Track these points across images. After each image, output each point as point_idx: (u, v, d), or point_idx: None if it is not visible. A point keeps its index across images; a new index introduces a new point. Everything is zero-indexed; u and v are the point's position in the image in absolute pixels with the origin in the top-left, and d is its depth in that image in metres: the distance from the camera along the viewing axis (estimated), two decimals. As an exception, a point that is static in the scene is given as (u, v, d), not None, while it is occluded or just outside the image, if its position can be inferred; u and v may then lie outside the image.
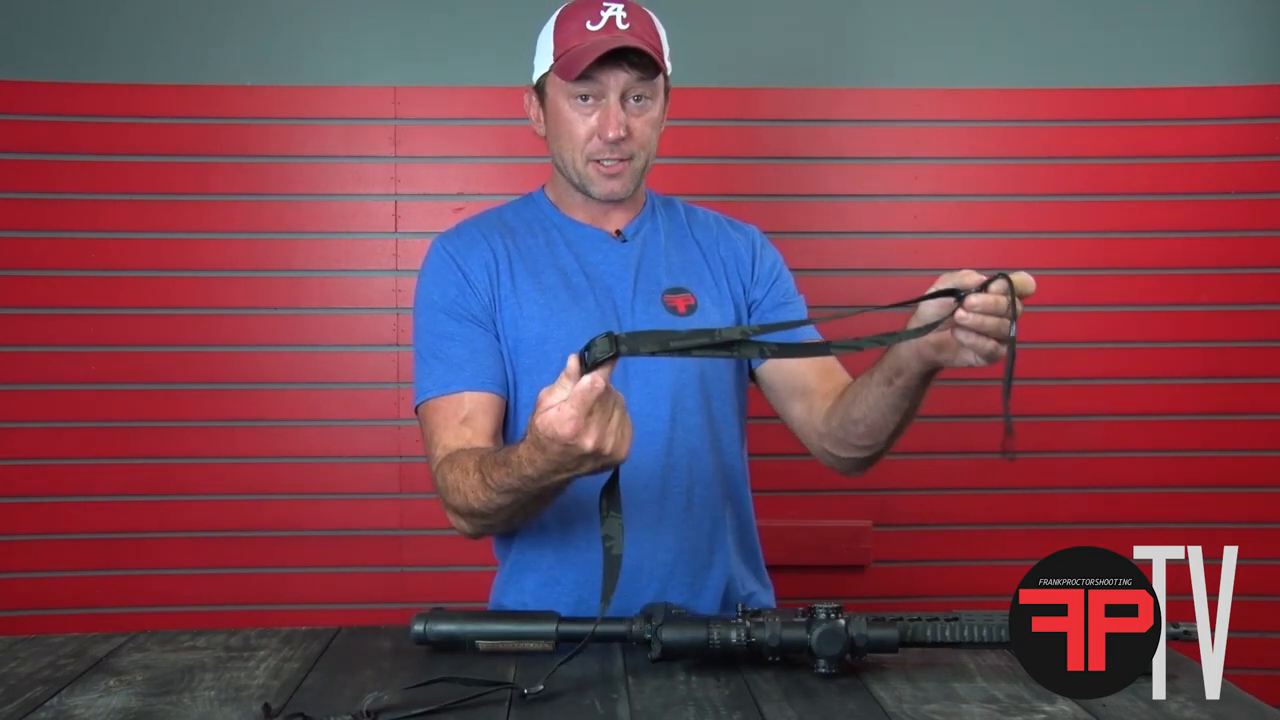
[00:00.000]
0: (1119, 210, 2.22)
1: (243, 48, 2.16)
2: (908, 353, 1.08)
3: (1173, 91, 2.22)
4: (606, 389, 0.94)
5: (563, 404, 0.94)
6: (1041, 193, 2.22)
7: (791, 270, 1.42)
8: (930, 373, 1.09)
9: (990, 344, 0.99)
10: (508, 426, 1.32)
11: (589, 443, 0.95)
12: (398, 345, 2.17)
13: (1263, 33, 2.23)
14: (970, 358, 1.01)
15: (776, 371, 1.33)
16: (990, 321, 0.98)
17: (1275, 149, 2.22)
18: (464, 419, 1.24)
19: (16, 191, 2.12)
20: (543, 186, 1.40)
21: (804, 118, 2.21)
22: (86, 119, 2.13)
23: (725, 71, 2.18)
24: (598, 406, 0.94)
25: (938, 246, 2.22)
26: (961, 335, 1.00)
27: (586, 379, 0.93)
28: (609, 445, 0.96)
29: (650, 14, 1.28)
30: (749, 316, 1.36)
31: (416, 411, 1.30)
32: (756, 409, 1.45)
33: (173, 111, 2.14)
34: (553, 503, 1.15)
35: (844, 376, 1.32)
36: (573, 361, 0.94)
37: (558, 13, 1.29)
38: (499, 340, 1.29)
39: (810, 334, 1.34)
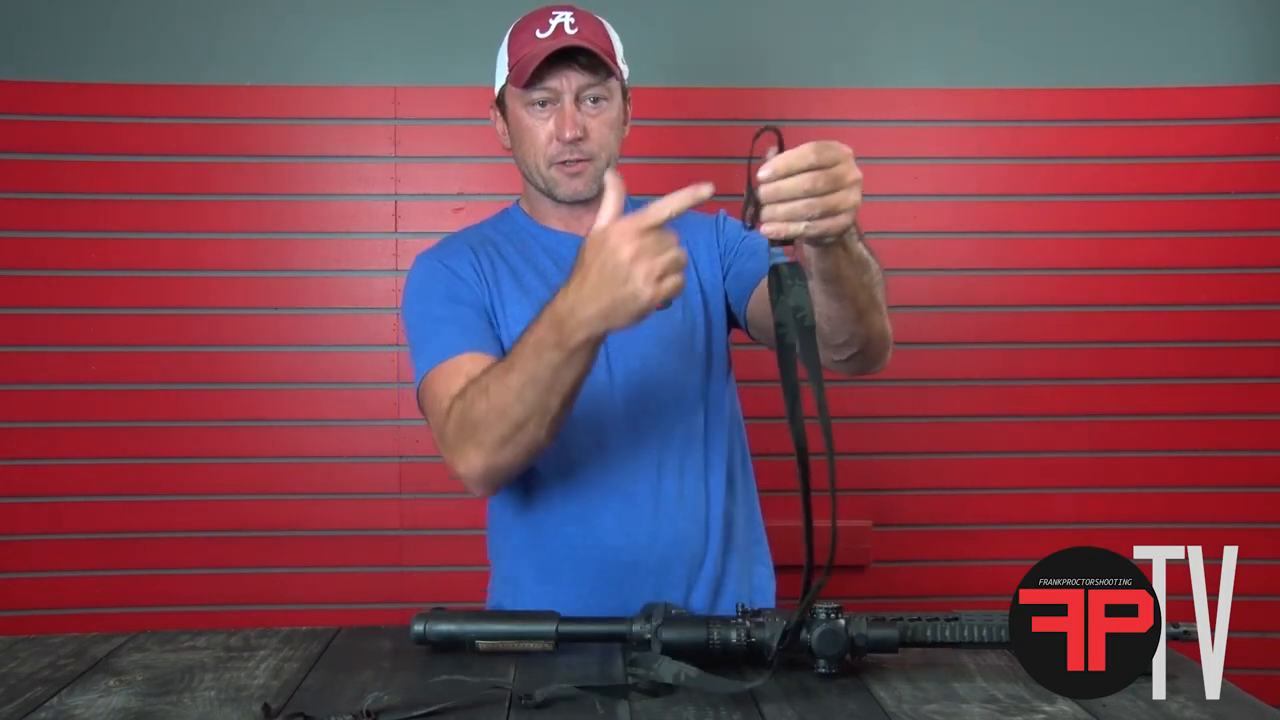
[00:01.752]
0: (1119, 210, 2.22)
1: (243, 48, 2.16)
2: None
3: (1173, 91, 2.22)
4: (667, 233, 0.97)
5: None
6: (1041, 193, 2.22)
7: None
8: (833, 253, 1.04)
9: (797, 222, 0.94)
10: None
11: (628, 250, 0.96)
12: (398, 345, 2.17)
13: (1263, 33, 2.23)
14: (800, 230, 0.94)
15: (764, 322, 1.29)
16: (781, 208, 0.93)
17: (1275, 149, 2.22)
18: (467, 371, 1.19)
19: (16, 191, 2.12)
20: (517, 201, 1.42)
21: (804, 118, 2.21)
22: (86, 119, 2.13)
23: (725, 71, 2.18)
24: (654, 236, 0.96)
25: (938, 246, 2.22)
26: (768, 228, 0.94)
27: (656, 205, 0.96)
28: (646, 267, 0.96)
29: (601, 20, 1.31)
30: (724, 280, 1.36)
31: (418, 398, 1.27)
32: (756, 409, 1.45)
33: (173, 111, 2.14)
34: (569, 403, 1.12)
35: None
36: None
37: (511, 26, 1.33)
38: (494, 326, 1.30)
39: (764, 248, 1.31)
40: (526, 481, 1.32)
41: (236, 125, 2.15)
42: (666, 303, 1.00)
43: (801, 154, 0.92)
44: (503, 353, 1.25)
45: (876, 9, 2.23)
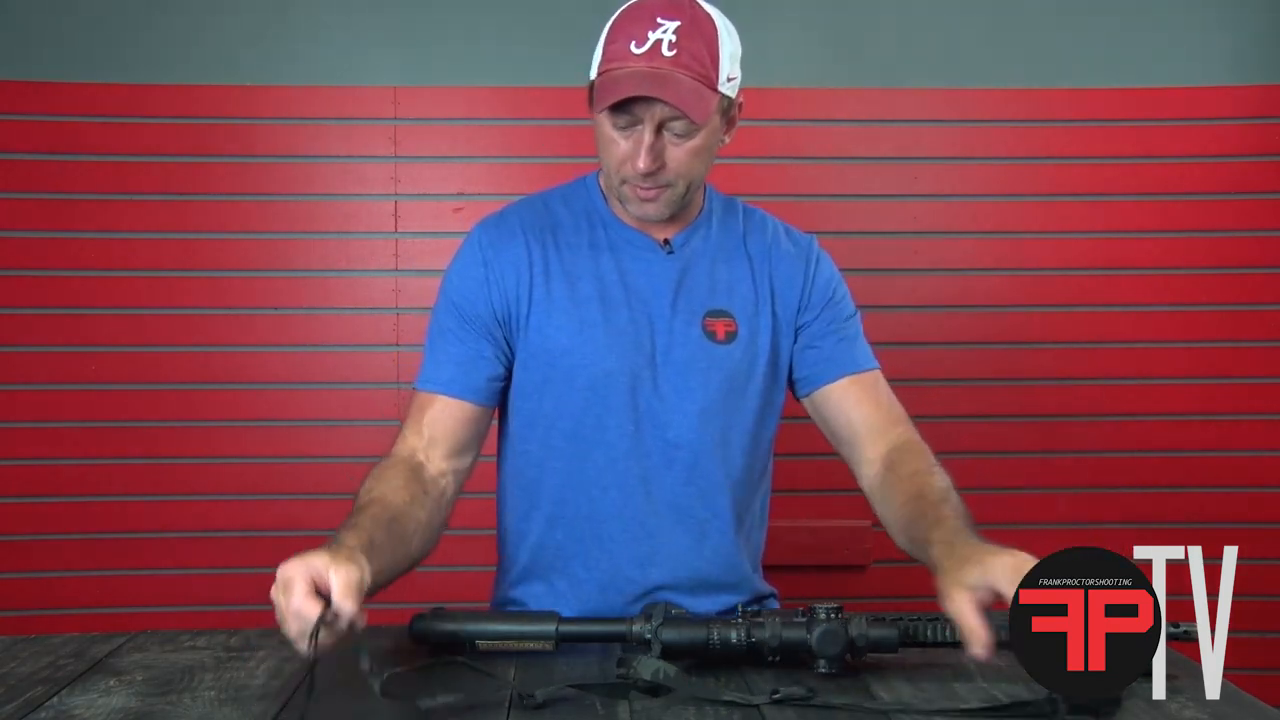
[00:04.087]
0: (1119, 210, 2.22)
1: (243, 48, 2.16)
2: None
3: (1173, 91, 2.22)
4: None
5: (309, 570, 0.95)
6: (1042, 193, 2.22)
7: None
8: None
9: None
10: (514, 433, 1.31)
11: (279, 590, 0.95)
12: (398, 345, 2.17)
13: (1263, 33, 2.23)
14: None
15: (824, 412, 1.31)
16: None
17: (1275, 149, 2.22)
18: (429, 419, 1.25)
19: (17, 191, 2.12)
20: (597, 172, 1.33)
21: (804, 118, 2.21)
22: (87, 119, 2.13)
23: (725, 71, 2.18)
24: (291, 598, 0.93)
25: (938, 246, 2.22)
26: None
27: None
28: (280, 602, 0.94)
29: (714, 26, 1.18)
30: (795, 339, 1.31)
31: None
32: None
33: (173, 111, 2.14)
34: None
35: (896, 434, 1.30)
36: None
37: (616, 15, 1.19)
38: (504, 347, 1.27)
39: (857, 353, 1.32)
40: (535, 507, 1.29)
41: (236, 125, 2.15)
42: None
43: None
44: (486, 384, 1.27)
45: (877, 9, 2.23)
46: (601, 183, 1.31)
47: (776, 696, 0.95)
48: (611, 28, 1.19)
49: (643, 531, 1.25)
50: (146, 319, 2.15)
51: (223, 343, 2.16)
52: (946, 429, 2.23)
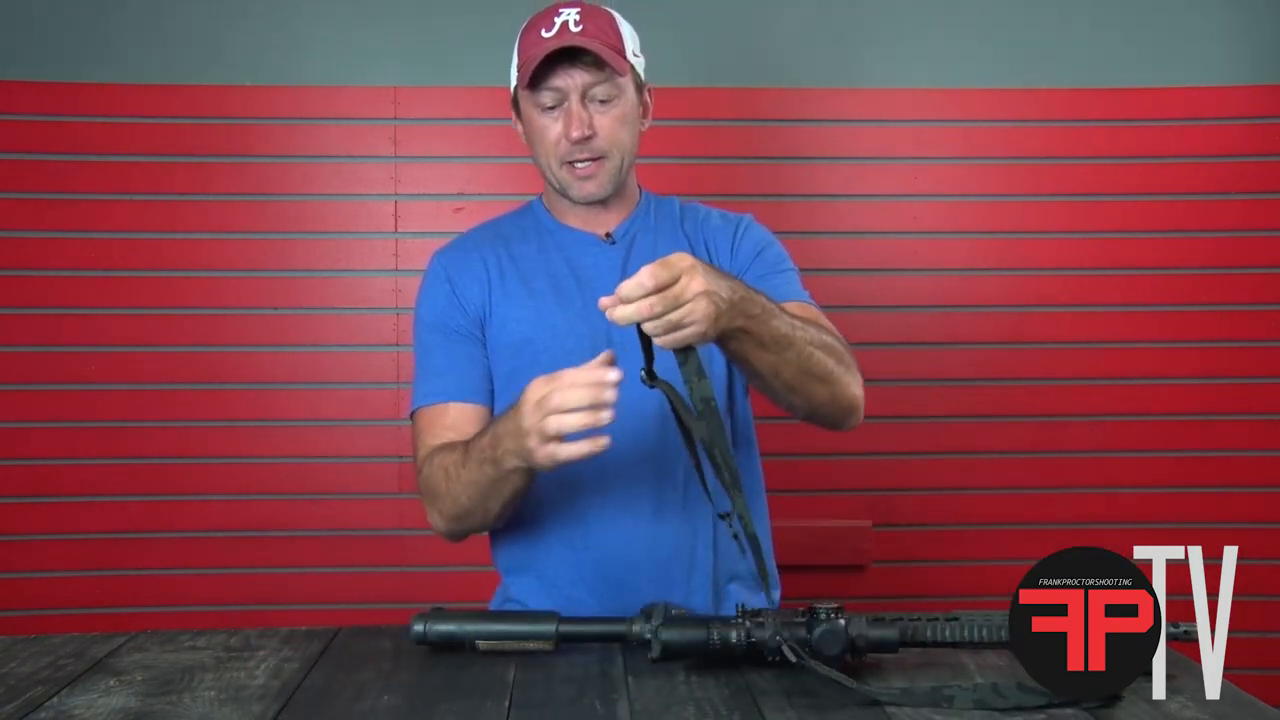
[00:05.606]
0: (1119, 210, 2.22)
1: (242, 48, 2.16)
2: None
3: (1173, 91, 2.22)
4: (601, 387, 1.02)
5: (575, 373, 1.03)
6: (1041, 193, 2.22)
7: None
8: (733, 339, 1.08)
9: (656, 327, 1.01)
10: None
11: (531, 403, 1.04)
12: (398, 345, 2.17)
13: (1263, 33, 2.23)
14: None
15: None
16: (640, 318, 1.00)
17: (1275, 149, 2.22)
18: (448, 424, 1.30)
19: (17, 191, 2.12)
20: (540, 194, 1.43)
21: (804, 118, 2.21)
22: (88, 119, 2.13)
23: (725, 71, 2.18)
24: (563, 395, 1.02)
25: (938, 246, 2.22)
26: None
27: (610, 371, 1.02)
28: (539, 425, 1.02)
29: (611, 13, 1.30)
30: None
31: (412, 421, 1.36)
32: (760, 410, 1.45)
33: (173, 111, 2.14)
34: (510, 507, 1.22)
35: None
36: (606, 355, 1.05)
37: (522, 26, 1.31)
38: (486, 350, 1.33)
39: (789, 289, 1.32)
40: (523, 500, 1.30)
41: (236, 125, 2.15)
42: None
43: (637, 282, 0.98)
44: (485, 385, 1.31)
45: (876, 9, 2.23)
46: (545, 202, 1.40)
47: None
48: (520, 35, 1.30)
49: (628, 499, 1.28)
50: (147, 319, 2.15)
51: (223, 343, 2.16)
52: (947, 429, 2.23)
